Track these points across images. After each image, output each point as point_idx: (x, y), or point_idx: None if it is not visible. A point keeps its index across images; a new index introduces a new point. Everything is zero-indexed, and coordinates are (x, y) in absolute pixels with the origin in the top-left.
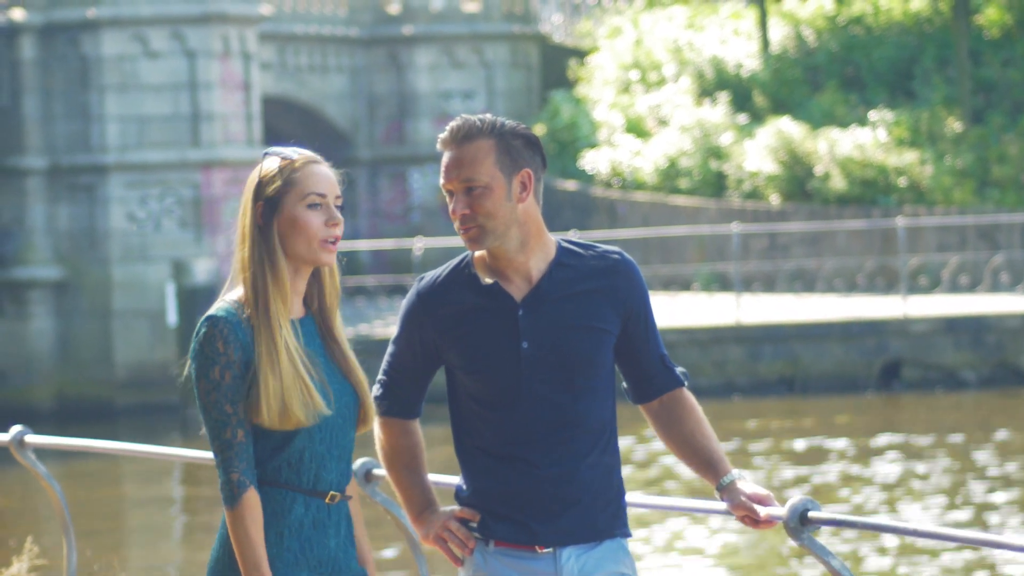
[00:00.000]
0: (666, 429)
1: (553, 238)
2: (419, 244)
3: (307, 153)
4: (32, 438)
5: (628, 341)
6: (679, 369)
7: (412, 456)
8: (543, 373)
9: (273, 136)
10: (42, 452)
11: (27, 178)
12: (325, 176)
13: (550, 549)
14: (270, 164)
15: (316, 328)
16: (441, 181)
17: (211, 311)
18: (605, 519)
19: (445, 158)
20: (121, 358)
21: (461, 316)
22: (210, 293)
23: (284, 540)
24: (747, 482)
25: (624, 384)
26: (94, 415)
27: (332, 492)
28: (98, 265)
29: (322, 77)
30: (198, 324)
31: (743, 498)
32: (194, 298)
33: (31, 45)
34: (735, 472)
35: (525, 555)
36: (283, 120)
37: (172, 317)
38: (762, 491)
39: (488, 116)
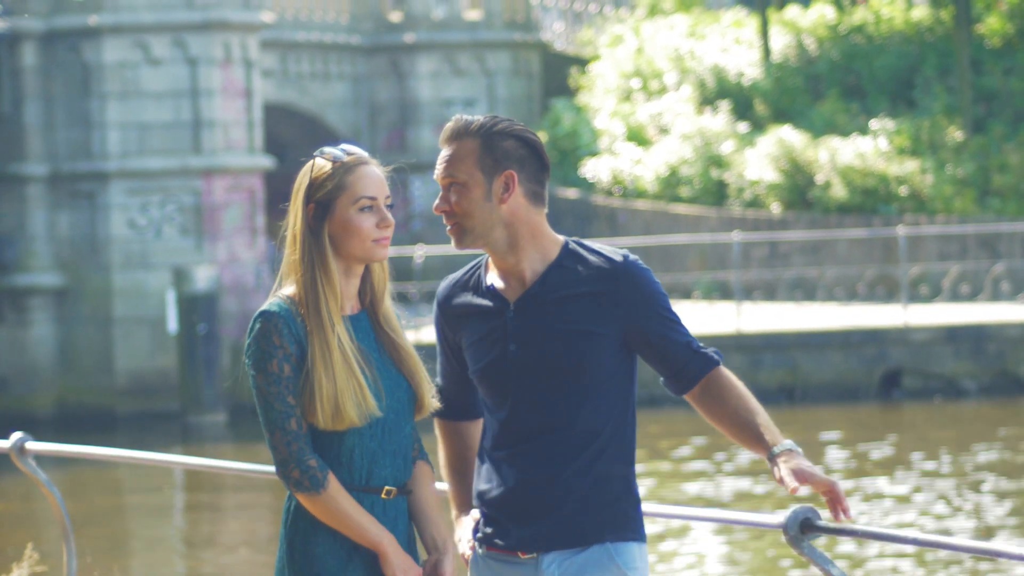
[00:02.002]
0: (711, 411)
1: (560, 239)
2: (420, 252)
3: (357, 152)
4: (32, 445)
5: (645, 341)
6: (710, 349)
7: (458, 458)
8: (530, 376)
9: (274, 144)
10: (42, 459)
11: (28, 185)
12: (375, 177)
13: (532, 555)
14: (321, 165)
15: (370, 323)
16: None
17: (264, 307)
18: (594, 525)
19: (440, 155)
20: (122, 365)
21: (466, 317)
22: (211, 300)
23: (336, 537)
24: (792, 455)
25: (661, 380)
26: (94, 422)
27: (387, 487)
28: (99, 272)
29: (324, 85)
30: (252, 321)
31: (780, 474)
32: (195, 305)
33: (32, 52)
34: (783, 443)
35: (510, 559)
36: (284, 127)
37: (172, 324)
38: (804, 465)
39: (483, 116)
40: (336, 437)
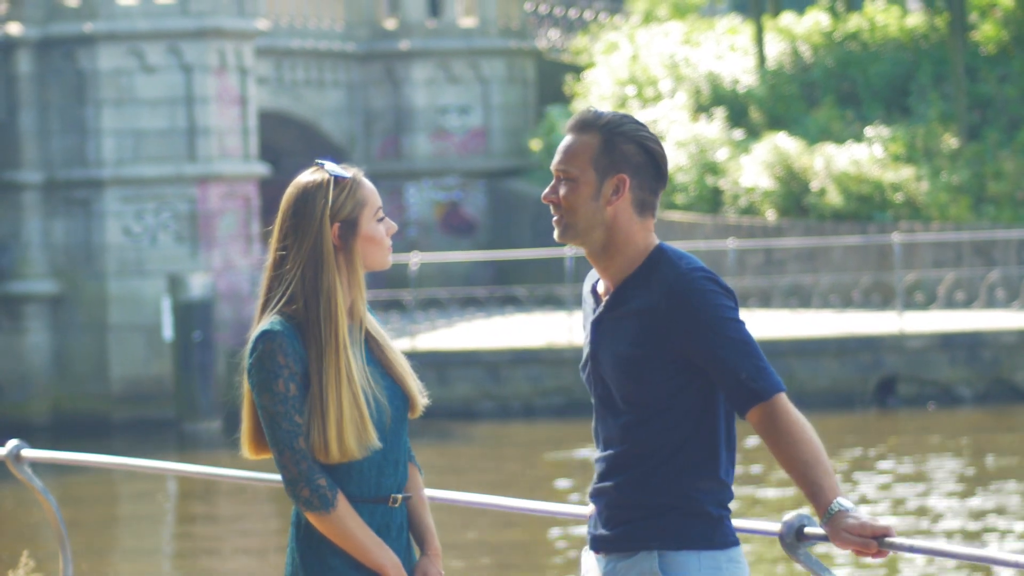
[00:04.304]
0: (769, 449)
1: (652, 247)
2: (415, 259)
3: (352, 168)
4: (28, 452)
5: (700, 361)
6: (764, 382)
7: None
8: (597, 387)
9: (269, 151)
10: (38, 466)
11: (23, 192)
12: (373, 186)
13: (602, 554)
14: (339, 185)
15: (357, 330)
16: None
17: (264, 327)
18: (643, 533)
19: (561, 143)
20: (117, 372)
21: (586, 309)
22: (206, 307)
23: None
24: (844, 516)
25: None
26: (90, 429)
27: (393, 495)
28: (94, 279)
29: (318, 92)
30: (252, 341)
31: (834, 541)
32: (190, 312)
33: (27, 59)
34: (834, 505)
35: (595, 557)
36: (279, 135)
37: (168, 331)
38: (852, 523)
39: (616, 113)
40: None
